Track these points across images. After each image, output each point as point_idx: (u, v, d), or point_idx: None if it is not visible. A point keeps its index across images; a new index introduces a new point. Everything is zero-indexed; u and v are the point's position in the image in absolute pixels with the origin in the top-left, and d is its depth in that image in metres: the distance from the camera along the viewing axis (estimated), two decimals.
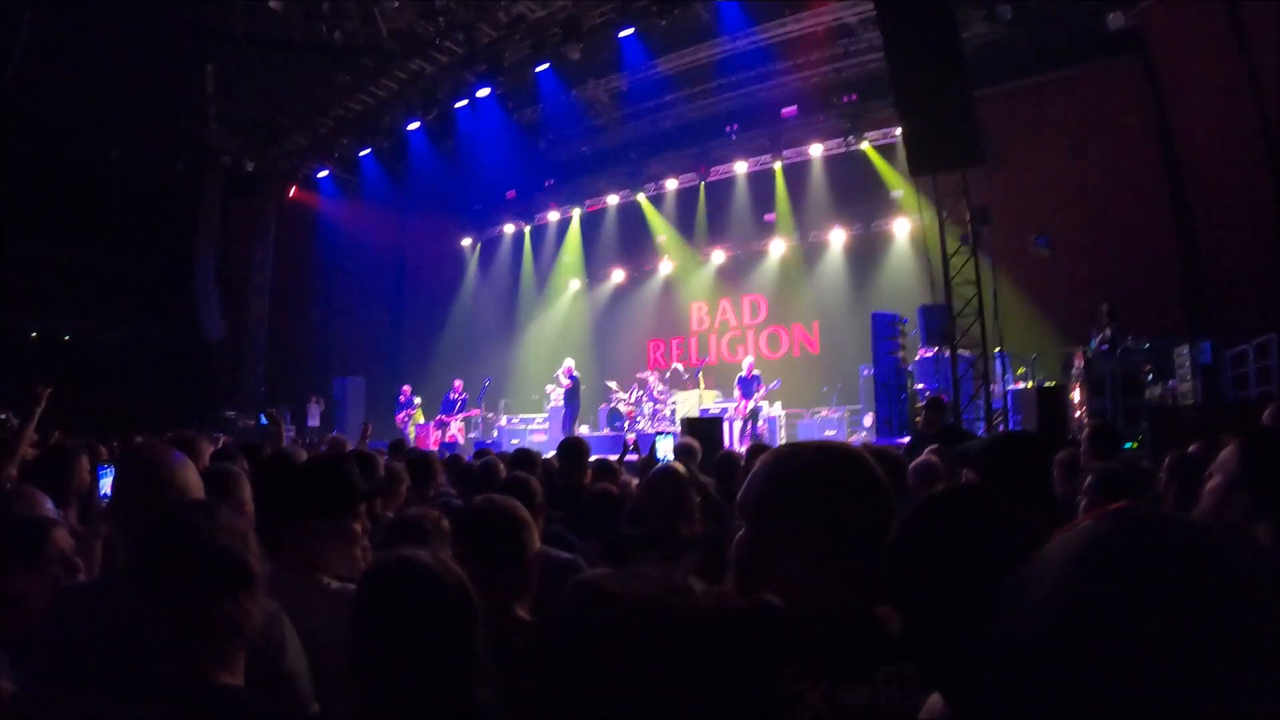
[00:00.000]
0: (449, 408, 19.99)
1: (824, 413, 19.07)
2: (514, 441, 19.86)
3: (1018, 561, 0.87)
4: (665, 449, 6.91)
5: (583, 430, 19.67)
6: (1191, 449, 5.26)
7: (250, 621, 1.93)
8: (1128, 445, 10.79)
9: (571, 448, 6.77)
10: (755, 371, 18.02)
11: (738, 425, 17.83)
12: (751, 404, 17.60)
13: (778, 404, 18.70)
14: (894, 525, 1.46)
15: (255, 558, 1.98)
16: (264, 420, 14.01)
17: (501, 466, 6.21)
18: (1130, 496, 3.59)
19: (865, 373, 17.57)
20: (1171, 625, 0.73)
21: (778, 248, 22.11)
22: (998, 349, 14.60)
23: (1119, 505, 0.92)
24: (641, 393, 20.09)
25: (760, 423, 17.72)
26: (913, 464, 5.78)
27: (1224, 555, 0.78)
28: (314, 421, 21.25)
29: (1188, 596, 0.74)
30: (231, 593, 1.90)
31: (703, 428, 12.09)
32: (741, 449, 12.62)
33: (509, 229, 26.30)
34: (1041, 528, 1.29)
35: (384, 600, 2.07)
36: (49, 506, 3.25)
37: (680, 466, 4.79)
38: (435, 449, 15.98)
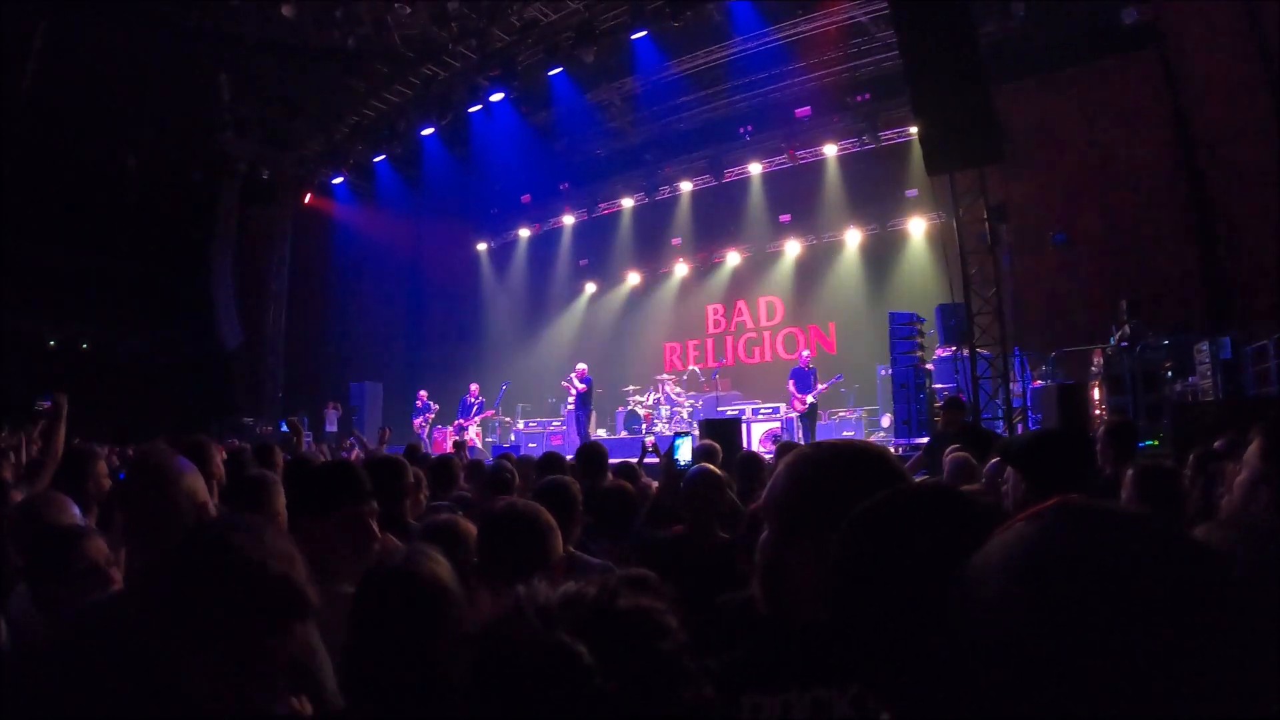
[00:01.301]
0: (465, 411, 20.01)
1: (841, 413, 19.01)
2: (531, 445, 19.90)
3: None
4: (685, 451, 6.85)
5: (600, 433, 19.68)
6: (1217, 445, 5.22)
7: (295, 647, 1.81)
8: (1149, 443, 10.74)
9: (590, 454, 6.62)
10: (813, 365, 17.31)
11: (758, 428, 17.69)
12: (811, 399, 16.76)
13: None
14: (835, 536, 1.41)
15: (310, 584, 1.84)
16: (284, 427, 14.04)
17: (514, 470, 6.19)
18: (1168, 493, 3.57)
19: (883, 373, 17.51)
20: (1113, 620, 0.72)
21: (793, 249, 22.09)
22: (1016, 347, 14.52)
23: (1054, 501, 0.90)
24: (659, 395, 20.08)
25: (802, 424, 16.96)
26: (948, 458, 5.77)
27: (1163, 544, 0.78)
28: (332, 427, 21.30)
29: (1128, 590, 0.74)
30: (288, 623, 1.76)
31: (721, 429, 12.05)
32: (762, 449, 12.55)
33: (524, 233, 26.37)
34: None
35: (366, 609, 2.10)
36: (76, 513, 3.25)
37: (717, 470, 4.78)
38: (452, 452, 15.99)
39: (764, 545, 1.77)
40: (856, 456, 1.77)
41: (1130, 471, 4.13)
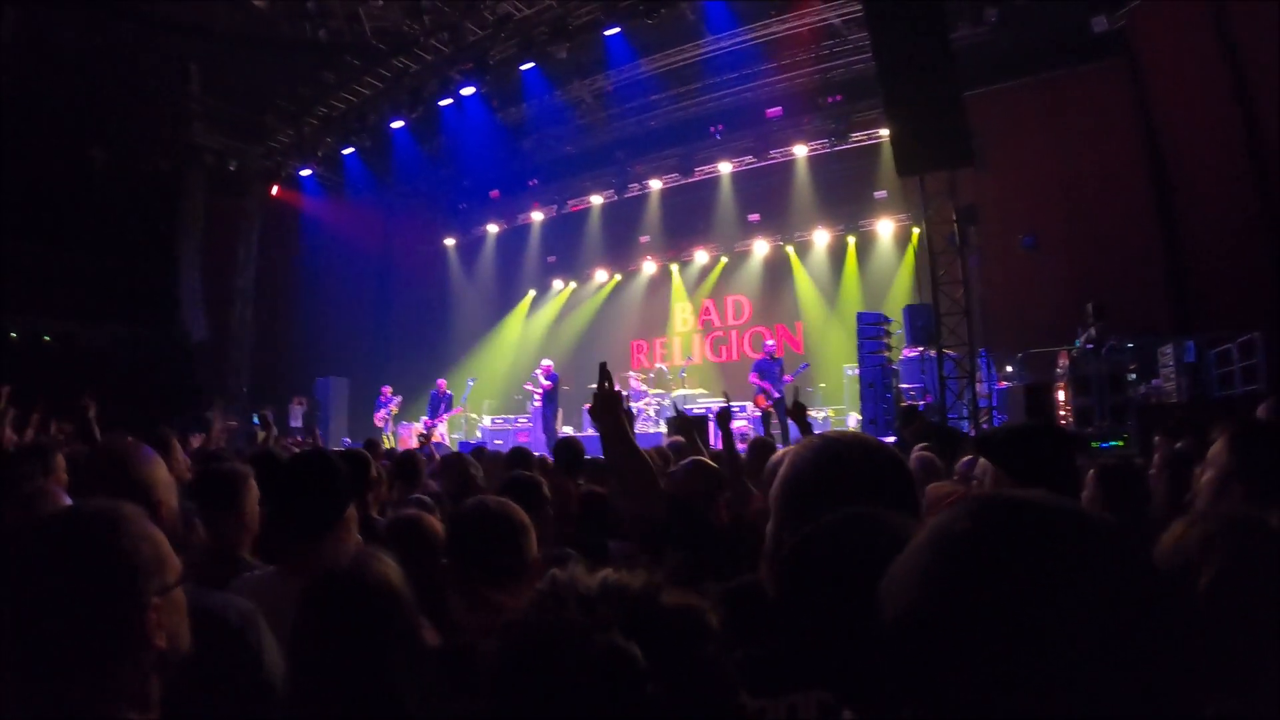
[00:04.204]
0: (434, 408, 19.93)
1: (807, 413, 18.97)
2: (497, 442, 19.83)
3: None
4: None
5: (567, 430, 19.64)
6: (1179, 445, 5.29)
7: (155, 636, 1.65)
8: (1113, 443, 10.86)
9: (567, 450, 6.54)
10: (779, 356, 16.96)
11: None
12: (776, 394, 16.19)
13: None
14: (784, 554, 1.45)
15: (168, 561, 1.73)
16: (256, 421, 13.85)
17: (477, 465, 6.13)
18: (1128, 492, 3.59)
19: (850, 373, 17.56)
20: (1015, 602, 0.77)
21: (761, 248, 22.14)
22: (983, 348, 14.63)
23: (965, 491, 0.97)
24: (626, 393, 20.01)
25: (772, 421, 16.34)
26: (913, 457, 5.76)
27: (1065, 533, 0.82)
28: (296, 422, 21.15)
29: (1029, 574, 0.78)
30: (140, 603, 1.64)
31: (687, 426, 12.04)
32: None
33: (493, 229, 26.30)
34: None
35: (311, 613, 2.05)
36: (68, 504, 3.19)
37: (710, 461, 4.69)
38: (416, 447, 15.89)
39: (771, 534, 1.79)
40: (866, 451, 1.79)
41: (1091, 470, 4.16)
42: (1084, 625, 0.75)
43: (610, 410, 3.89)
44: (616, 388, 3.74)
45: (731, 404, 5.50)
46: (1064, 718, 0.75)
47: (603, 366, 3.89)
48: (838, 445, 1.82)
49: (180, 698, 1.76)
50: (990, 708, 0.76)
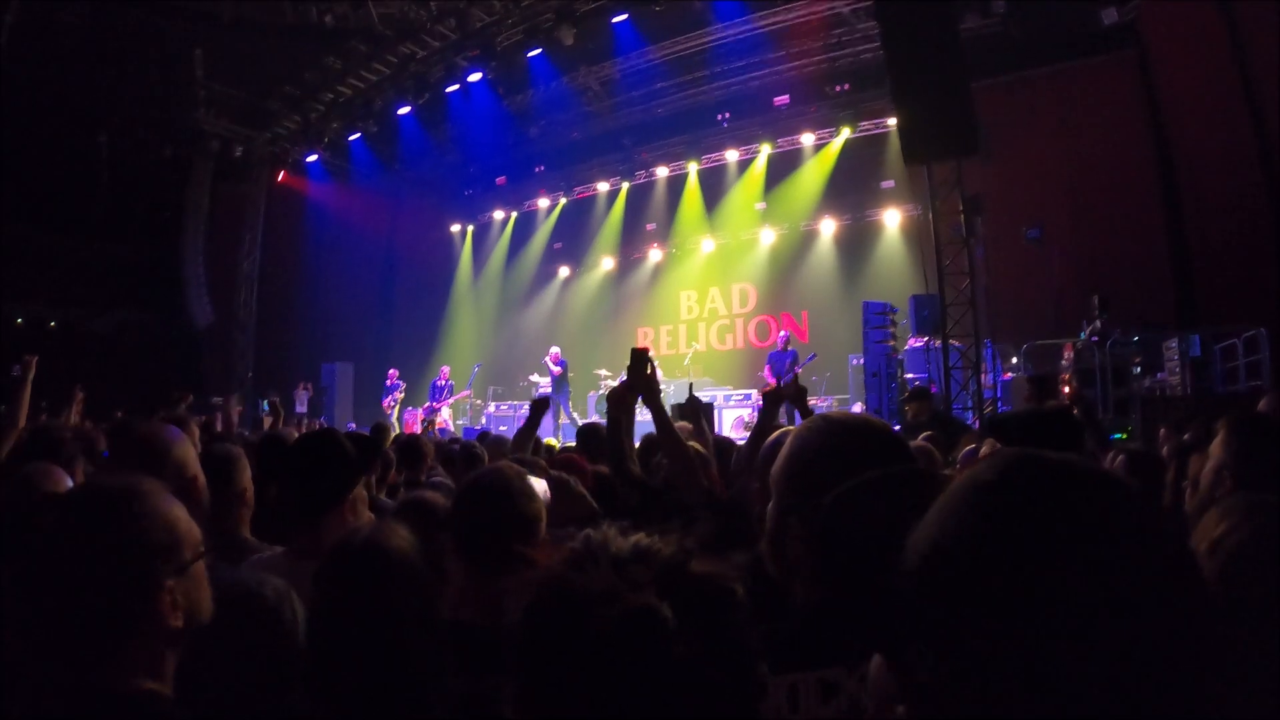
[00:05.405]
0: (436, 395, 19.95)
1: (812, 402, 18.88)
2: (502, 428, 19.83)
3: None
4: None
5: (574, 416, 19.66)
6: (1186, 437, 5.33)
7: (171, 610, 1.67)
8: (1118, 436, 10.86)
9: (590, 435, 6.37)
10: (791, 347, 17.04)
11: (729, 414, 17.70)
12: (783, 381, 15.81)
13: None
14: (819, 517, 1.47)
15: (188, 540, 1.76)
16: (266, 407, 13.86)
17: (484, 451, 6.15)
18: (1153, 477, 3.65)
19: (855, 362, 17.55)
20: (1044, 548, 0.80)
21: (768, 237, 22.10)
22: (988, 339, 14.62)
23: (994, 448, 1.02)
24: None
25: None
26: (913, 446, 5.73)
27: (1093, 487, 0.86)
28: (301, 408, 21.17)
29: (1057, 522, 0.82)
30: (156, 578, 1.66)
31: (695, 411, 12.03)
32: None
33: (499, 215, 26.30)
34: None
35: (331, 582, 2.05)
36: (69, 484, 3.20)
37: (702, 448, 4.68)
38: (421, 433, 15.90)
39: (770, 515, 1.79)
40: (865, 432, 1.79)
41: (1120, 457, 4.23)
42: (1107, 574, 0.78)
43: (652, 396, 3.87)
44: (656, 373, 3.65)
45: (747, 392, 5.31)
46: (1086, 661, 0.76)
47: (644, 352, 3.78)
48: (839, 425, 1.82)
49: (217, 672, 1.78)
50: (1013, 655, 0.78)
